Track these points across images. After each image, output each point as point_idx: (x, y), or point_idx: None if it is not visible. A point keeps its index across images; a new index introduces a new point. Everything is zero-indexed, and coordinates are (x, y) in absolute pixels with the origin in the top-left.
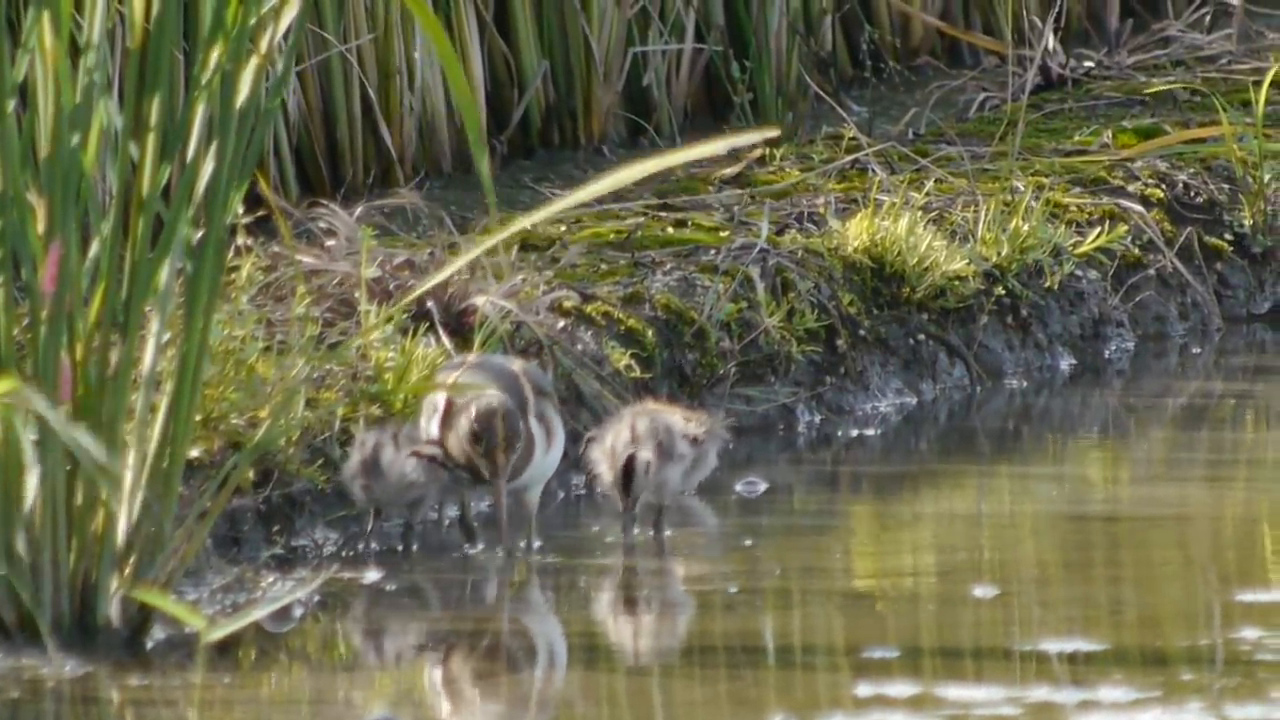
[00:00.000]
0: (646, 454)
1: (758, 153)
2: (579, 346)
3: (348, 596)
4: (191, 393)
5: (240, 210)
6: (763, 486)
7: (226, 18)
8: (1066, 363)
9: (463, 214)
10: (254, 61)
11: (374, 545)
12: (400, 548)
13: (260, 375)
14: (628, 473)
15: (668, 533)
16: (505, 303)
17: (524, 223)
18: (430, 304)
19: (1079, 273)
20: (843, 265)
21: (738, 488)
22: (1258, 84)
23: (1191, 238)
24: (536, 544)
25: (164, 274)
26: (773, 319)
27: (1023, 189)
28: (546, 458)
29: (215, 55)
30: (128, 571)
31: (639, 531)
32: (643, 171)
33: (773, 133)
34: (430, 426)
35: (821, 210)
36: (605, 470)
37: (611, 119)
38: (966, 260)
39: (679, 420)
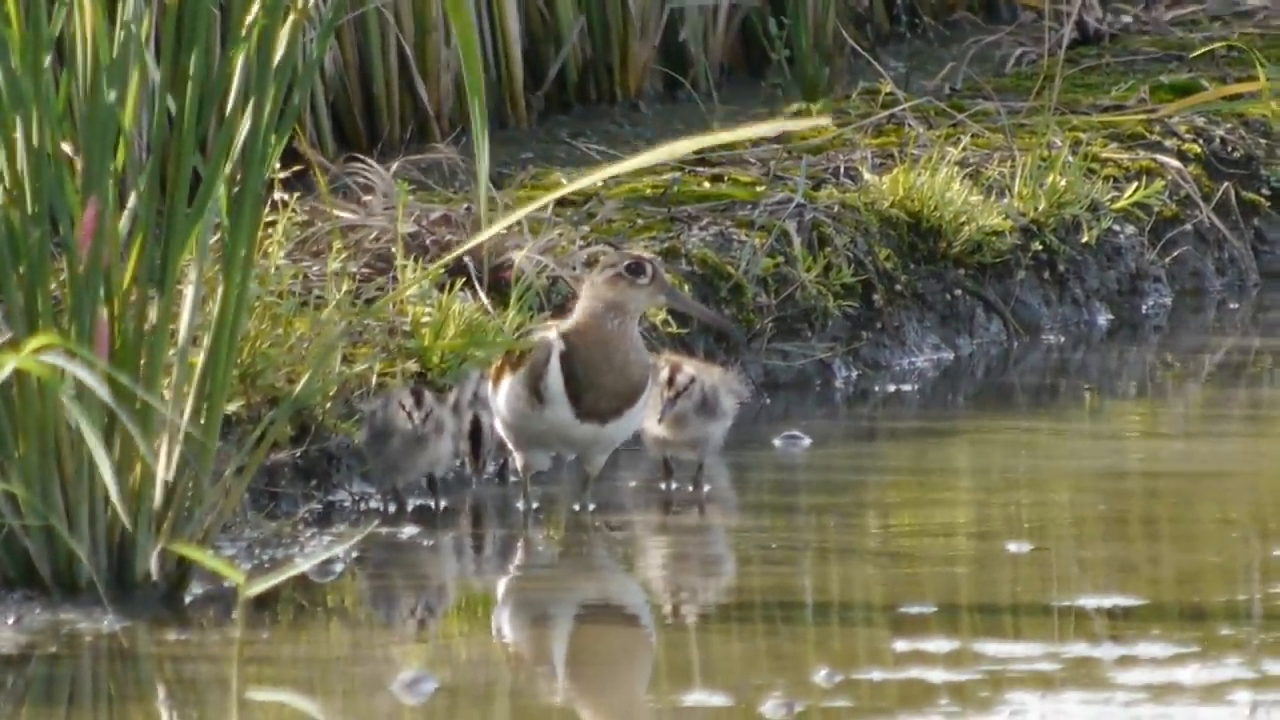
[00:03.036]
0: (690, 370)
1: (795, 108)
2: None
3: (385, 551)
4: (229, 348)
5: (277, 165)
6: (806, 441)
7: None
8: (1104, 318)
9: (499, 169)
10: (291, 18)
11: (410, 500)
12: (431, 505)
13: (297, 331)
14: (671, 378)
15: (707, 488)
16: (542, 258)
17: (564, 190)
18: (467, 259)
19: (1116, 228)
20: (879, 220)
21: (777, 442)
22: None
23: (1228, 193)
24: (591, 506)
25: (201, 229)
26: (809, 274)
27: (1060, 144)
28: (641, 412)
29: (253, 11)
30: (165, 526)
31: (677, 487)
32: (686, 148)
33: (824, 121)
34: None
35: (858, 165)
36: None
37: (648, 74)
38: (1003, 215)
39: (722, 376)
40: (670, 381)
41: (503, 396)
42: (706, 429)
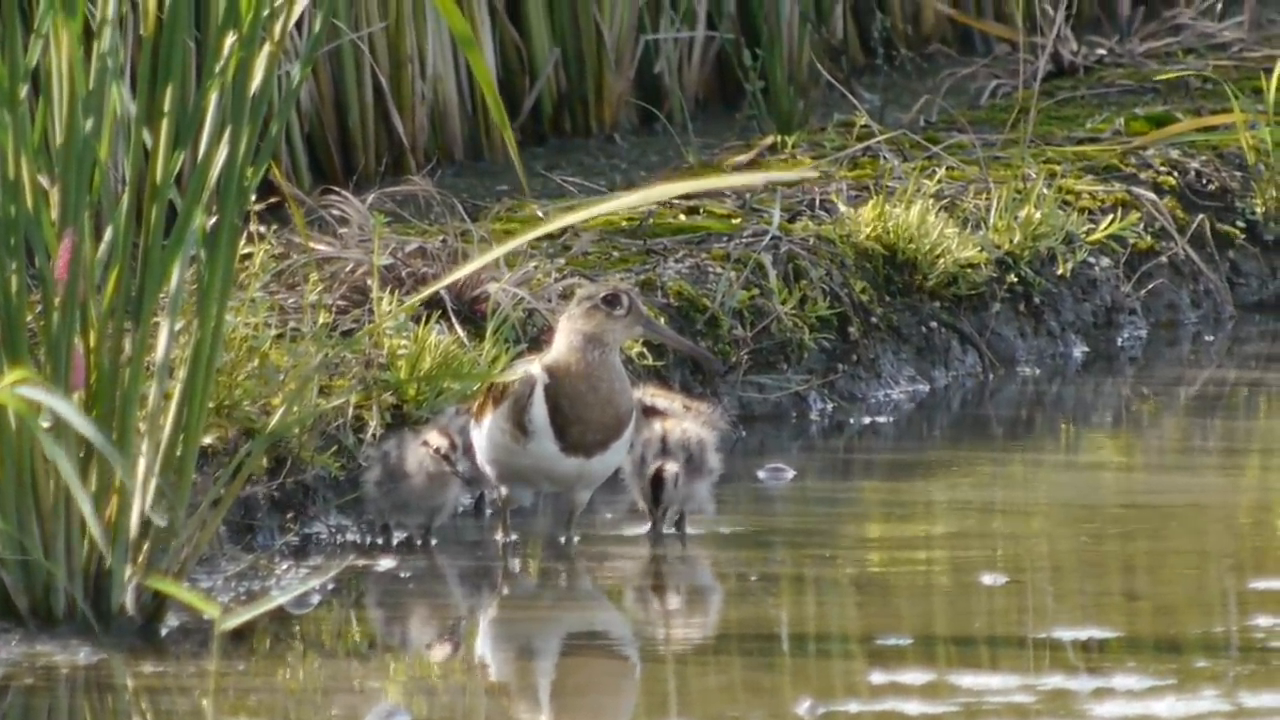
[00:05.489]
0: (675, 466)
1: (769, 140)
2: None
3: (362, 583)
4: (205, 380)
5: (253, 198)
6: (790, 474)
7: (240, 6)
8: (1079, 350)
9: (475, 201)
10: (266, 49)
11: (392, 536)
12: (419, 541)
13: (273, 363)
14: (657, 484)
15: (689, 530)
16: (517, 290)
17: (548, 227)
18: (442, 291)
19: (1091, 260)
20: (855, 253)
21: (761, 475)
22: (1269, 71)
23: (1203, 225)
24: (575, 539)
25: (177, 262)
26: (785, 306)
27: (1035, 176)
28: (627, 446)
29: (228, 44)
30: (141, 559)
31: (658, 525)
32: (672, 192)
33: (811, 174)
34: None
35: (833, 198)
36: (628, 475)
37: (623, 106)
38: (979, 248)
39: (709, 433)
40: (655, 490)
41: (486, 432)
42: (691, 488)
